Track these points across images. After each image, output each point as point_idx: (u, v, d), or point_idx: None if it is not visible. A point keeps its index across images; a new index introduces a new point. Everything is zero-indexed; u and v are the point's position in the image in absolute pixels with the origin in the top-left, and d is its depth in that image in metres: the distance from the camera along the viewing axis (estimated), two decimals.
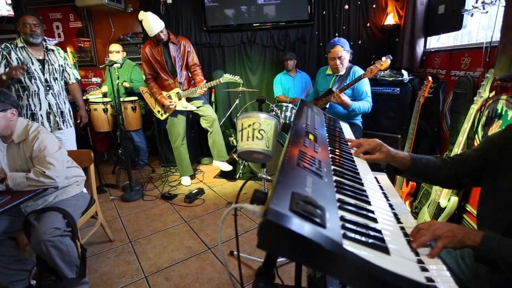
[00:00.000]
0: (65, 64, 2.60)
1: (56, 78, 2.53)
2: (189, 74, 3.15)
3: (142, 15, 2.77)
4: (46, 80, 2.44)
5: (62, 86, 2.61)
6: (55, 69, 2.50)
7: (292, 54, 3.59)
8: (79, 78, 2.81)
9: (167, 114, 3.10)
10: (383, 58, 2.22)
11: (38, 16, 2.45)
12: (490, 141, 1.05)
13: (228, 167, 3.25)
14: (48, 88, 2.46)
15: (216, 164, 3.27)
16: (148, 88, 3.09)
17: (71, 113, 2.69)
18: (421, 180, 1.18)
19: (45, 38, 4.39)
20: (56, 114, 2.52)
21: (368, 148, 1.16)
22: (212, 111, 3.21)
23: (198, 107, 3.13)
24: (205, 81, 3.02)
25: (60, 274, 1.60)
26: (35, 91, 2.40)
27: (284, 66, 3.65)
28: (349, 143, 1.27)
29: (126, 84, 3.58)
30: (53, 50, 2.53)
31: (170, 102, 2.98)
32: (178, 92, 3.02)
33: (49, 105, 2.48)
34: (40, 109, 2.44)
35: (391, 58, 2.23)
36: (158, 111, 3.12)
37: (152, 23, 2.75)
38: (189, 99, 3.10)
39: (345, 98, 2.30)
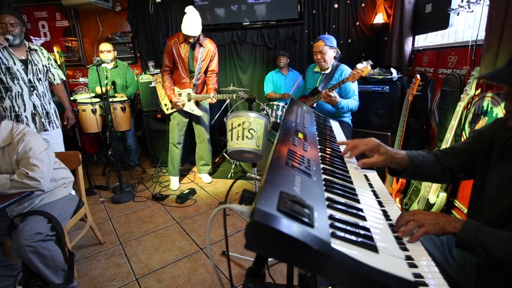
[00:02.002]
0: (49, 64, 2.53)
1: (40, 79, 2.45)
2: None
3: (188, 9, 2.69)
4: (29, 81, 2.37)
5: (46, 87, 2.53)
6: (38, 69, 2.43)
7: (285, 51, 3.61)
8: (64, 78, 2.72)
9: (173, 110, 3.04)
10: (363, 64, 2.16)
11: (19, 15, 2.35)
12: (478, 134, 1.06)
13: (209, 180, 3.37)
14: (32, 89, 2.38)
15: (199, 176, 3.42)
16: (162, 79, 3.02)
17: (57, 113, 2.62)
18: (417, 179, 1.17)
19: (31, 37, 4.35)
20: (42, 115, 2.45)
21: (364, 150, 1.03)
22: (204, 132, 3.20)
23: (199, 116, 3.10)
24: (214, 94, 2.95)
25: (46, 280, 1.56)
26: (18, 92, 2.32)
27: (276, 63, 3.66)
28: (341, 147, 1.16)
29: (123, 96, 3.50)
30: (36, 50, 2.45)
31: (178, 99, 2.92)
32: (190, 93, 2.97)
33: (34, 106, 2.41)
34: (25, 110, 2.37)
35: (371, 63, 2.18)
36: (165, 105, 3.06)
37: (195, 24, 2.68)
38: (198, 103, 3.07)
39: (334, 94, 2.29)
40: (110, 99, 3.21)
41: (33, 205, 1.72)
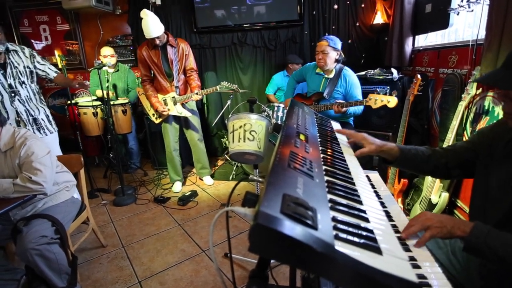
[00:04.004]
0: (33, 63, 2.36)
1: (23, 82, 2.29)
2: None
3: (144, 13, 2.62)
4: (10, 86, 2.21)
5: (32, 90, 2.37)
6: (19, 72, 2.27)
7: (299, 58, 3.56)
8: (58, 70, 2.58)
9: (161, 119, 3.03)
10: (392, 96, 2.20)
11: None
12: (481, 134, 1.07)
13: (210, 182, 3.36)
14: (13, 95, 2.22)
15: (201, 178, 3.42)
16: (143, 90, 3.01)
17: (50, 118, 2.50)
18: (410, 170, 1.19)
19: (32, 41, 4.36)
20: (27, 122, 2.31)
21: (354, 140, 1.24)
22: (194, 135, 3.15)
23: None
24: (198, 90, 2.87)
25: (49, 283, 1.57)
26: None
27: (286, 69, 3.64)
28: (343, 148, 1.27)
29: (126, 100, 3.51)
30: (16, 51, 2.29)
31: (164, 108, 2.90)
32: (174, 97, 2.93)
33: (17, 113, 2.26)
34: (8, 118, 2.22)
35: (396, 98, 2.20)
36: (153, 114, 3.05)
37: (151, 26, 2.62)
38: (184, 105, 3.02)
39: (345, 109, 2.34)
40: (111, 102, 3.21)
41: (36, 208, 1.72)
